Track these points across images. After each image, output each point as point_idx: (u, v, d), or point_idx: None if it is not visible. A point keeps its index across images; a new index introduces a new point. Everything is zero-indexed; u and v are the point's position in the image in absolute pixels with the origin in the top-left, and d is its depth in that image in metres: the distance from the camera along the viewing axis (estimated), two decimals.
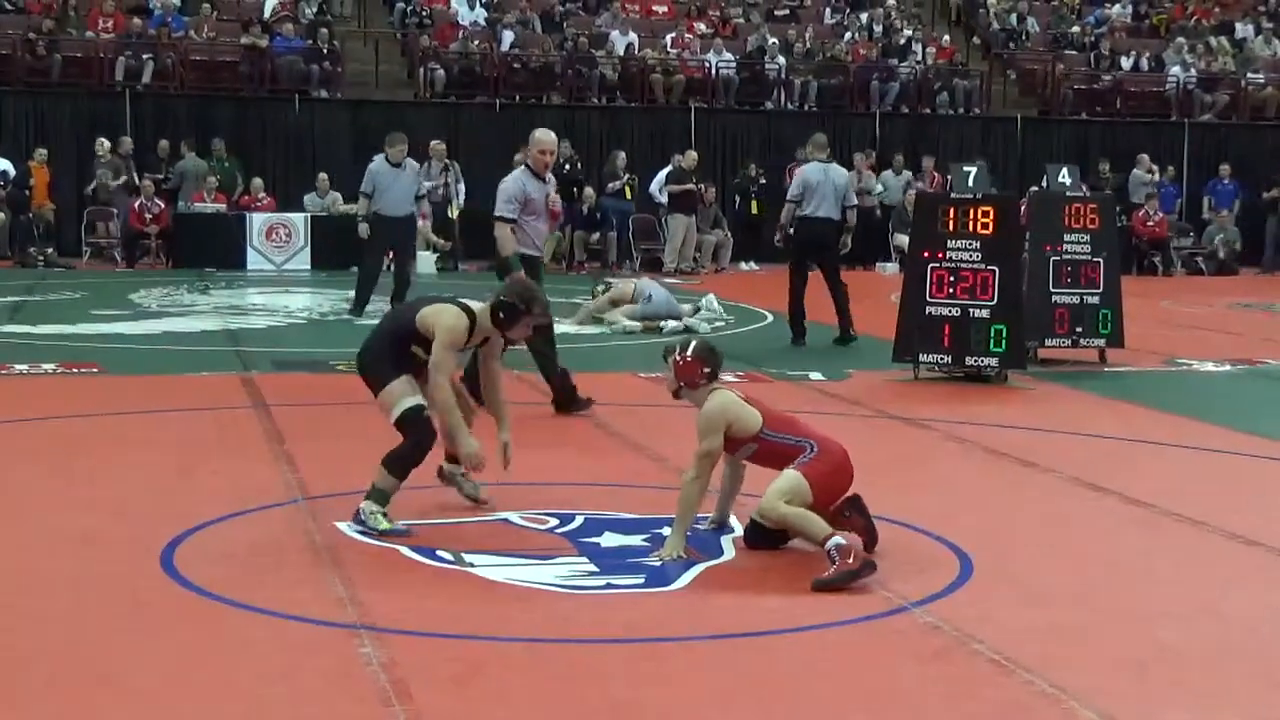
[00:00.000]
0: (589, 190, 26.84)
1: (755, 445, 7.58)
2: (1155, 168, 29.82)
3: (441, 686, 5.52)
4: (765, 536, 7.53)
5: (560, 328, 17.22)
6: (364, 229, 18.17)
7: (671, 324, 17.53)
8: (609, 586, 6.92)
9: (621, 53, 30.29)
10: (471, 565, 7.14)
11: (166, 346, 15.64)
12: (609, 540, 7.72)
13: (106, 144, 26.52)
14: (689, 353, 7.72)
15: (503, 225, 11.77)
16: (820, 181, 16.35)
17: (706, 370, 7.73)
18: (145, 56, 28.28)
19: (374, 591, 6.68)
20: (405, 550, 7.35)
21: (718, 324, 18.32)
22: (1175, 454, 10.72)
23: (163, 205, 26.06)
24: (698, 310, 18.19)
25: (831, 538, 7.00)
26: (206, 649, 5.90)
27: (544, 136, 12.04)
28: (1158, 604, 6.87)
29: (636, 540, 7.73)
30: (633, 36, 30.68)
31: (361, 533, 7.63)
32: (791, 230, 16.74)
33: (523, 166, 12.06)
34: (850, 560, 6.88)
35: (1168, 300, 22.69)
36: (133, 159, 26.83)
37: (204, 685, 5.49)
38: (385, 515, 7.67)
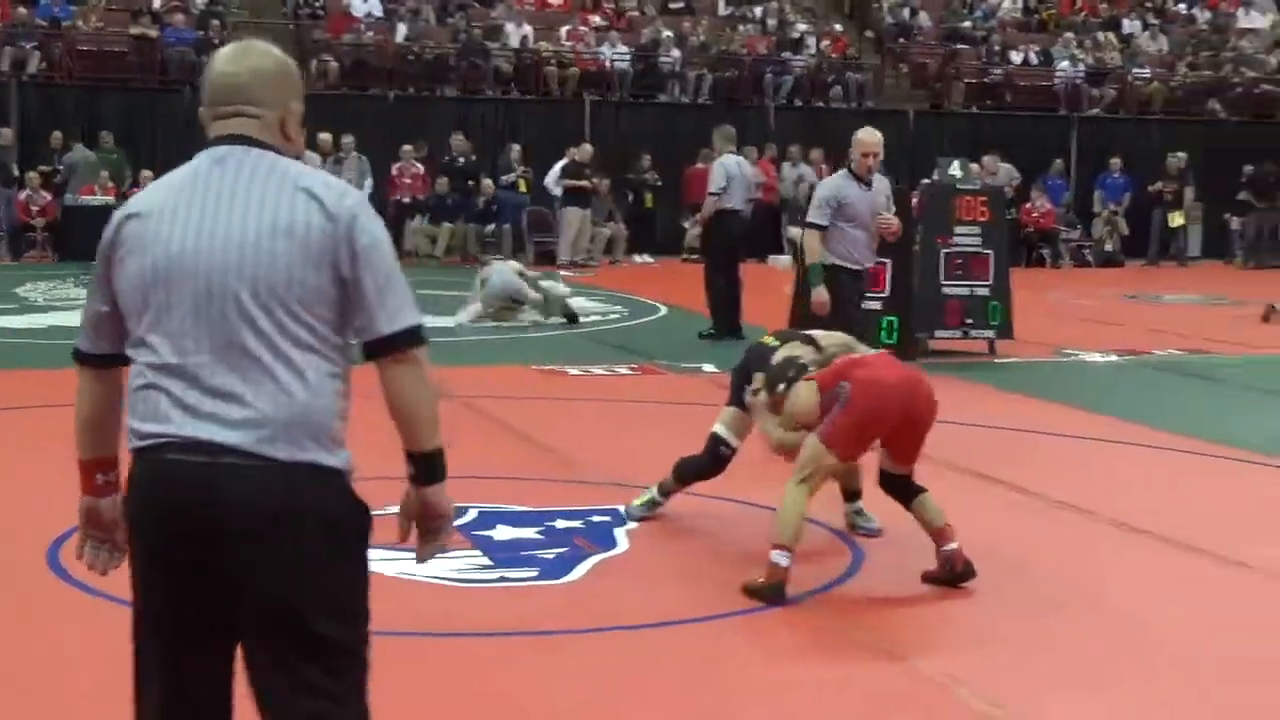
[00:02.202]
0: (486, 182, 26.76)
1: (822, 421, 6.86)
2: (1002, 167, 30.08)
3: None
4: (895, 488, 7.07)
5: (454, 320, 17.22)
6: None
7: (525, 316, 17.36)
8: (502, 580, 6.92)
9: (516, 45, 30.21)
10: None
11: (54, 341, 15.42)
12: (502, 533, 7.72)
13: None
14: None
15: (811, 232, 10.99)
16: (736, 175, 16.34)
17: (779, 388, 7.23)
18: (31, 46, 27.84)
19: None
20: None
21: (608, 314, 18.24)
22: (1064, 443, 10.86)
23: (49, 197, 25.68)
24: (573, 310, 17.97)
25: (782, 550, 6.63)
26: (90, 645, 5.83)
27: (866, 137, 11.09)
28: (1045, 592, 6.96)
29: (530, 533, 7.73)
30: (527, 29, 30.60)
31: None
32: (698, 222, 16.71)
33: (844, 170, 11.22)
34: (775, 579, 6.59)
35: (1056, 292, 22.95)
36: (15, 150, 26.39)
37: (87, 682, 5.43)
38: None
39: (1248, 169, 29.86)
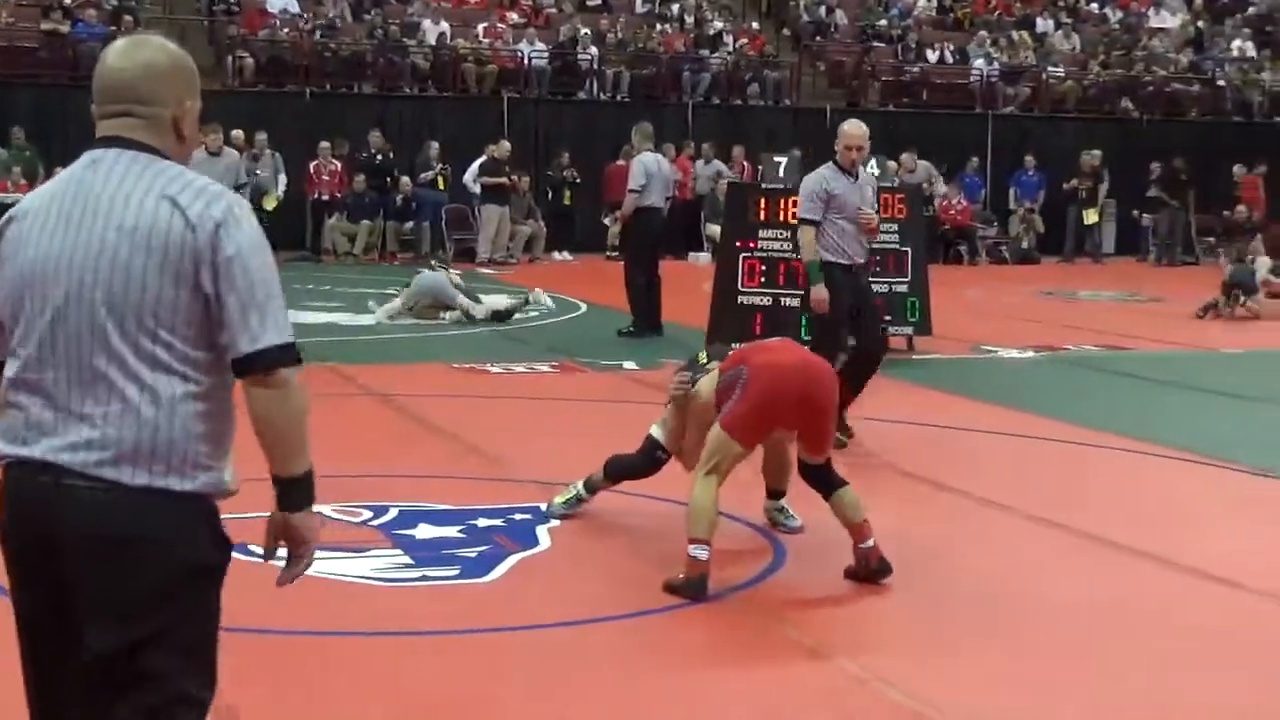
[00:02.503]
0: (405, 180, 26.65)
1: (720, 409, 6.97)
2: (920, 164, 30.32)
3: (255, 683, 5.45)
4: (815, 478, 7.07)
5: (374, 318, 17.14)
6: None
7: (451, 314, 17.33)
8: (424, 579, 6.90)
9: (433, 42, 30.08)
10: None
11: None
12: (424, 532, 7.69)
13: None
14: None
15: (805, 228, 10.51)
16: (655, 172, 16.33)
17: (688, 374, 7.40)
18: None
19: None
20: None
21: (537, 314, 18.17)
22: (982, 439, 10.94)
23: None
24: (526, 302, 17.86)
25: (699, 544, 6.64)
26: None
27: (851, 129, 10.71)
28: (966, 587, 7.01)
29: (451, 532, 7.70)
30: (445, 25, 30.46)
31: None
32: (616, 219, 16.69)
33: (830, 162, 10.78)
34: (696, 574, 6.61)
35: (973, 289, 23.12)
36: None
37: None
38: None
39: (1155, 166, 30.21)
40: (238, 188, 18.92)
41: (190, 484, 3.33)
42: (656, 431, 7.73)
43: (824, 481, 7.02)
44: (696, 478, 6.76)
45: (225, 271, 3.26)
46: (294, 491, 3.52)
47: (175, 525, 3.32)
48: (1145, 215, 30.50)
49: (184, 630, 3.37)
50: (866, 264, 10.80)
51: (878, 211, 11.24)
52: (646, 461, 7.78)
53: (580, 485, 8.01)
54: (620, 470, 7.92)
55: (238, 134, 24.99)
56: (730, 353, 7.28)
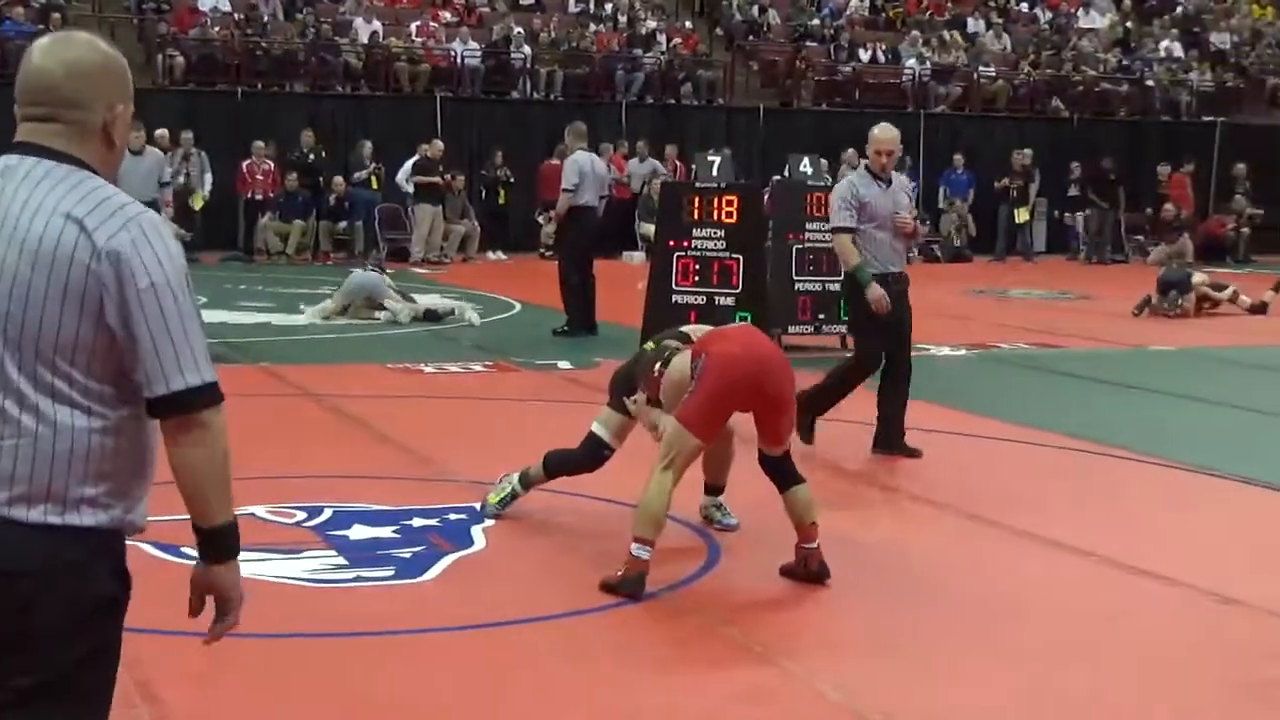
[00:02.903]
0: (337, 179, 26.52)
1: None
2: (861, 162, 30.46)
3: (188, 685, 5.42)
4: (774, 470, 7.04)
5: (308, 318, 17.05)
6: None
7: (385, 314, 17.26)
8: (359, 579, 6.87)
9: (365, 41, 29.96)
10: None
11: None
12: (358, 533, 7.66)
13: None
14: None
15: (840, 236, 10.09)
16: (589, 171, 16.31)
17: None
18: None
19: None
20: (148, 547, 7.18)
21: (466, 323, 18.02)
22: (915, 437, 10.97)
23: None
24: (451, 312, 17.75)
25: (642, 543, 6.64)
26: None
27: (881, 133, 10.26)
28: (901, 585, 7.04)
29: (386, 532, 7.67)
30: (377, 24, 30.34)
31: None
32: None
33: (861, 166, 10.50)
34: (634, 573, 6.62)
35: None
36: None
37: None
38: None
39: (1075, 166, 30.40)
40: (161, 186, 18.85)
41: (93, 519, 3.10)
42: (599, 428, 7.70)
43: (781, 474, 7.00)
44: (653, 474, 6.74)
45: (136, 305, 3.00)
46: (215, 542, 3.26)
47: (74, 562, 3.09)
48: (1068, 215, 30.75)
49: (80, 675, 3.13)
50: (904, 274, 10.29)
51: (920, 220, 11.11)
52: (588, 457, 7.74)
53: (515, 481, 7.97)
54: (560, 465, 7.88)
55: (162, 133, 24.79)
56: (686, 335, 7.31)
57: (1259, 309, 20.14)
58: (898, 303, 10.01)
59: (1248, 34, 38.50)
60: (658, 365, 7.19)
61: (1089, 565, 7.51)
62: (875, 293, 9.84)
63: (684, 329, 7.70)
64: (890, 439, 10.08)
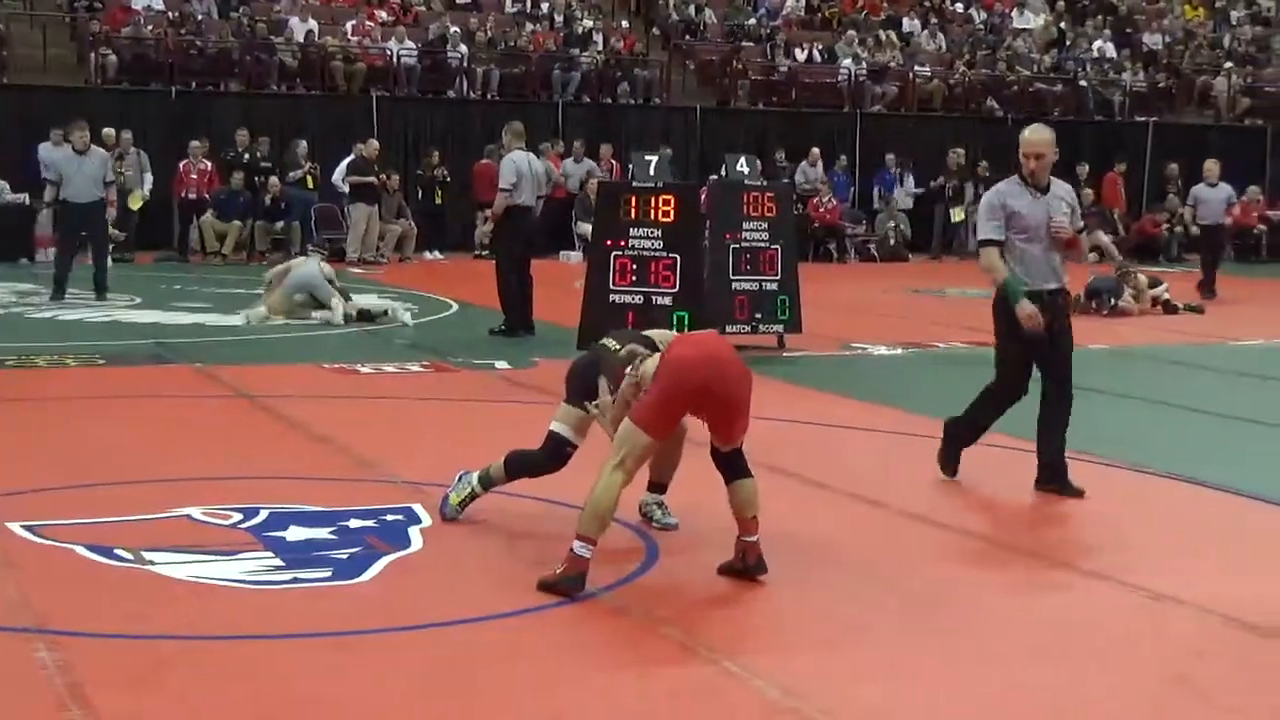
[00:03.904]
0: (273, 179, 26.37)
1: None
2: (821, 161, 30.59)
3: (121, 689, 5.37)
4: (723, 463, 7.04)
5: (244, 319, 16.95)
6: (46, 215, 18.50)
7: (322, 314, 17.17)
8: (295, 581, 6.82)
9: (301, 40, 29.81)
10: (152, 564, 6.96)
11: None
12: (295, 534, 7.61)
13: None
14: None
15: (985, 249, 9.17)
16: (526, 171, 16.25)
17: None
18: None
19: (48, 593, 6.47)
20: (81, 550, 7.13)
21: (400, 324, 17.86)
22: (852, 436, 11.02)
23: None
24: (384, 313, 17.61)
25: (585, 541, 6.63)
26: None
27: (1030, 135, 9.26)
28: (837, 582, 7.05)
29: (323, 533, 7.63)
30: (312, 23, 30.20)
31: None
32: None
33: (1015, 175, 9.30)
34: (575, 571, 6.61)
35: (843, 286, 23.31)
36: None
37: None
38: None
39: (954, 154, 30.38)
40: (106, 185, 18.85)
41: None
42: (559, 427, 7.66)
43: (730, 466, 7.02)
44: (603, 472, 6.75)
45: None
46: None
47: None
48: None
49: None
50: (1062, 291, 9.22)
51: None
52: (550, 456, 7.68)
53: (475, 481, 7.91)
54: (522, 467, 7.82)
55: (108, 132, 24.64)
56: (654, 342, 7.31)
57: (1171, 309, 20.38)
58: (1054, 324, 9.01)
59: (1180, 34, 38.86)
60: (629, 370, 7.16)
61: (1028, 563, 7.55)
62: (1026, 309, 8.85)
63: (650, 334, 7.64)
64: (1054, 479, 9.10)
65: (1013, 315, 8.90)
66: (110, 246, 19.69)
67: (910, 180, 30.94)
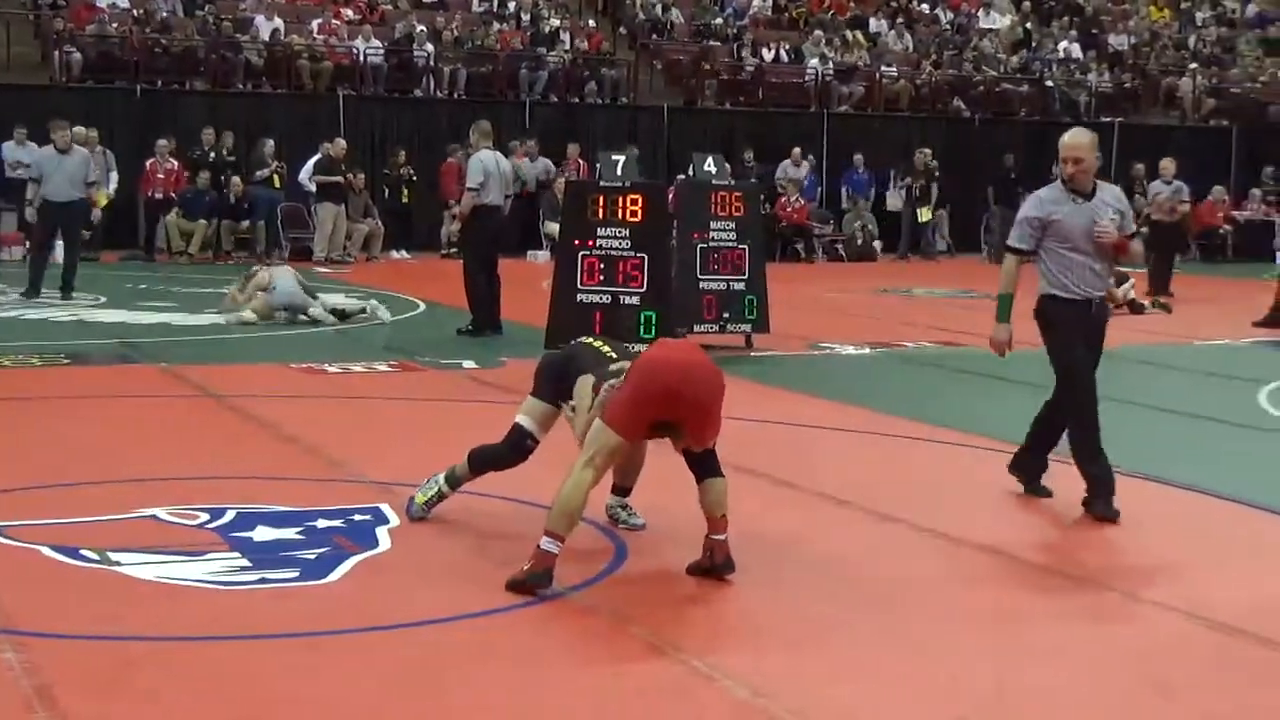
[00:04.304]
0: (235, 179, 26.28)
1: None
2: (804, 161, 30.65)
3: (88, 690, 5.34)
4: (694, 461, 7.05)
5: (210, 318, 16.90)
6: (31, 214, 19.19)
7: (315, 311, 17.13)
8: (263, 581, 6.80)
9: (267, 38, 29.71)
10: (118, 564, 6.93)
11: None
12: (262, 534, 7.58)
13: None
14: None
15: (1009, 257, 8.89)
16: (494, 170, 16.22)
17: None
18: None
19: (14, 594, 6.43)
20: (47, 551, 7.09)
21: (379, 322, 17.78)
22: (819, 435, 11.03)
23: None
24: (362, 311, 17.54)
25: (552, 538, 6.65)
26: None
27: (1068, 139, 8.77)
28: (806, 581, 7.06)
29: (290, 533, 7.60)
30: (278, 22, 30.10)
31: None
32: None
33: (1058, 180, 8.85)
34: (542, 567, 6.62)
35: (810, 286, 23.34)
36: None
37: None
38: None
39: (921, 159, 30.53)
40: (88, 185, 18.98)
41: None
42: (523, 419, 7.64)
43: (702, 466, 7.04)
44: (573, 470, 6.76)
45: None
46: None
47: None
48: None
49: None
50: (1105, 300, 8.98)
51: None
52: (511, 449, 7.67)
53: (441, 480, 7.90)
54: (485, 461, 7.81)
55: (92, 133, 24.48)
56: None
57: (1137, 309, 20.48)
58: (1091, 334, 8.80)
59: (1145, 35, 39.04)
60: (610, 383, 7.13)
61: (996, 562, 7.57)
62: (997, 335, 8.95)
63: (637, 349, 7.60)
64: (1031, 473, 9.07)
65: (1057, 319, 8.75)
66: (79, 247, 19.66)
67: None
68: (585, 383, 7.30)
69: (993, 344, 8.98)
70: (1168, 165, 24.14)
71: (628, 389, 6.83)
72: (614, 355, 7.39)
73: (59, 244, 19.55)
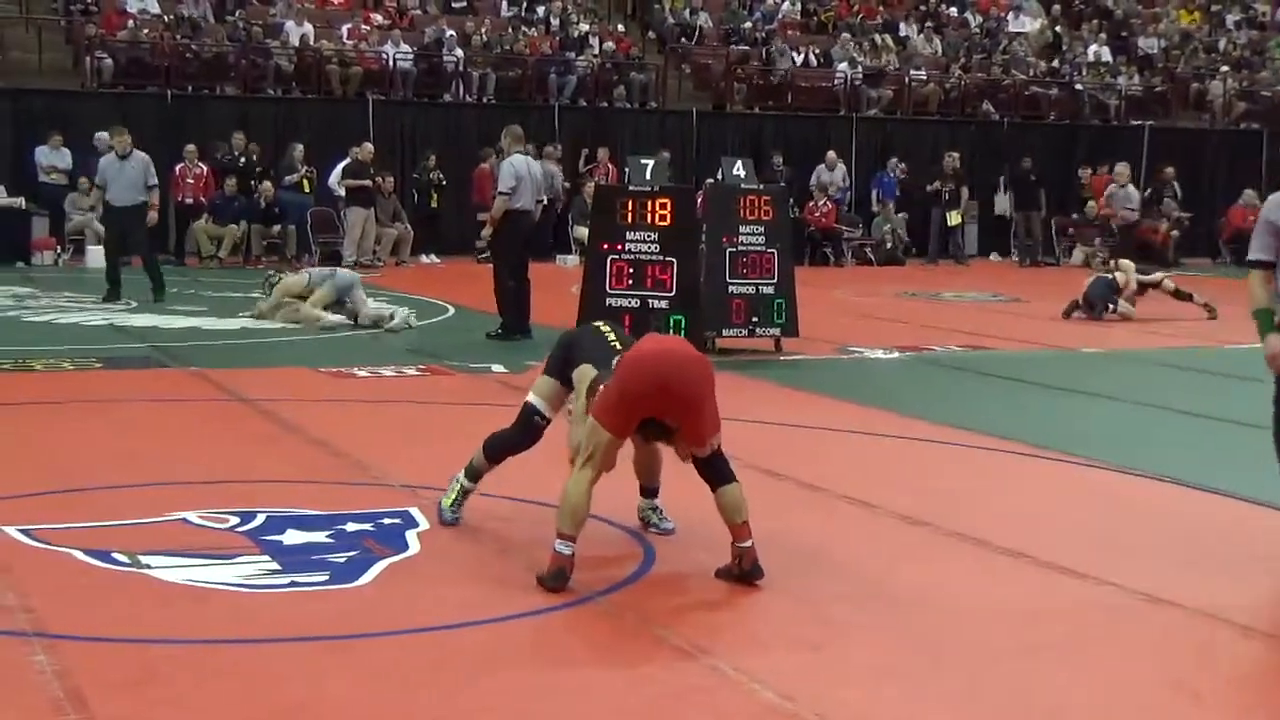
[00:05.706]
0: (266, 184, 26.37)
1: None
2: (839, 165, 30.65)
3: (118, 692, 5.37)
4: (704, 469, 7.08)
5: (240, 323, 16.96)
6: (92, 218, 19.30)
7: (335, 318, 17.16)
8: (293, 585, 6.82)
9: (296, 43, 29.81)
10: (149, 567, 6.96)
11: None
12: (292, 537, 7.61)
13: None
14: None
15: (1251, 272, 7.65)
16: (526, 174, 16.23)
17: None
18: None
19: (45, 597, 6.46)
20: (78, 554, 7.13)
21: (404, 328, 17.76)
22: (847, 439, 11.03)
23: None
24: (392, 317, 17.56)
25: (564, 539, 6.73)
26: None
27: None
28: (832, 584, 7.06)
29: (320, 537, 7.63)
30: (308, 27, 30.19)
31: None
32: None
33: None
34: (555, 568, 6.70)
35: (839, 290, 23.32)
36: None
37: None
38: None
39: (950, 162, 30.45)
40: (149, 188, 19.19)
41: None
42: (534, 397, 7.65)
43: (713, 473, 7.03)
44: (573, 470, 6.81)
45: None
46: None
47: None
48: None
49: None
50: None
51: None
52: (522, 430, 7.69)
53: (461, 477, 7.91)
54: (500, 447, 7.81)
55: (102, 135, 24.54)
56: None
57: (1184, 296, 20.32)
58: None
59: (1175, 38, 38.89)
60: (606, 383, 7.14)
61: (1020, 566, 7.56)
62: (1270, 347, 7.46)
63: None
64: None
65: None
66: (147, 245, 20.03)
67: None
68: (583, 374, 7.31)
69: (1271, 360, 7.48)
70: (1122, 170, 24.20)
71: (615, 384, 6.84)
72: (619, 346, 7.39)
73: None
